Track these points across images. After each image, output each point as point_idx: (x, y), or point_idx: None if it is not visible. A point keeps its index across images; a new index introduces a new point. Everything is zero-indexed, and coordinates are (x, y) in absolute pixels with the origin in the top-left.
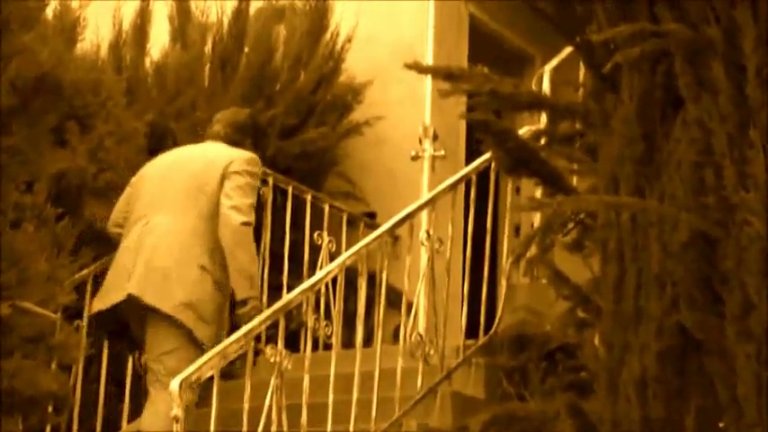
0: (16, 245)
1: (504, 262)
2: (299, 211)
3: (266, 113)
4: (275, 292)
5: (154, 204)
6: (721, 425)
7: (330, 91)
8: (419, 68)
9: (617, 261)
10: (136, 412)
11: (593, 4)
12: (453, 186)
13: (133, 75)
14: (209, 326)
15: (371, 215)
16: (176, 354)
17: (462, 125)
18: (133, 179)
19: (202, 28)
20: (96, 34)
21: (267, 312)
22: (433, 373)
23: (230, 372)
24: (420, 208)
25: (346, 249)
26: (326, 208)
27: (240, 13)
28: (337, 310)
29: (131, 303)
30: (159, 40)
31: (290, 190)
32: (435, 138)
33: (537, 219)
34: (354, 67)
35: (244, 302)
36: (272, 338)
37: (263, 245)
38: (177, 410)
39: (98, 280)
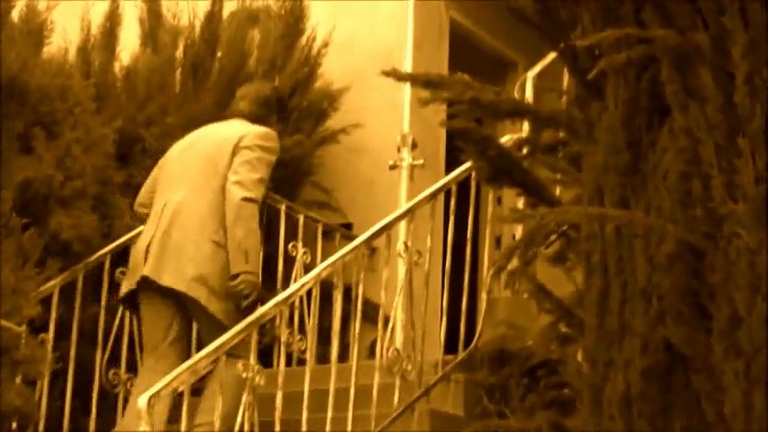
0: None
1: (485, 275)
2: (273, 221)
3: None
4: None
5: (172, 184)
6: None
7: (305, 97)
8: (398, 75)
9: (601, 274)
10: (102, 429)
11: (578, 8)
12: (432, 196)
13: (102, 80)
14: (222, 300)
15: (348, 226)
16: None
17: (442, 133)
18: (161, 160)
19: (174, 31)
20: (64, 37)
21: (239, 327)
22: (410, 389)
23: (200, 388)
24: (398, 219)
25: (322, 261)
26: (301, 218)
27: (213, 17)
28: (312, 324)
29: (148, 283)
30: (129, 44)
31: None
32: (414, 146)
33: (519, 230)
34: (331, 72)
35: (235, 276)
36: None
37: None
38: (145, 427)
39: (65, 292)
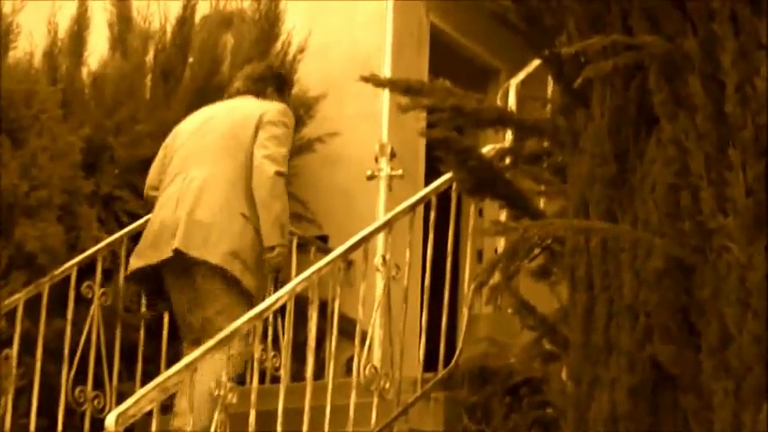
0: None
1: (466, 289)
2: None
3: None
4: None
5: (190, 159)
6: None
7: None
8: (376, 82)
9: (586, 289)
10: None
11: (563, 14)
12: (412, 208)
13: (69, 85)
14: (254, 275)
15: (324, 238)
16: (227, 312)
17: (422, 143)
18: (165, 141)
19: (144, 36)
20: (30, 41)
21: (211, 342)
22: (388, 408)
23: (171, 405)
24: (376, 231)
25: (296, 275)
26: None
27: (185, 20)
28: (286, 341)
29: (175, 259)
30: (97, 49)
31: None
32: (393, 156)
33: (501, 244)
34: (307, 79)
35: (272, 249)
36: None
37: None
38: None
39: (29, 306)
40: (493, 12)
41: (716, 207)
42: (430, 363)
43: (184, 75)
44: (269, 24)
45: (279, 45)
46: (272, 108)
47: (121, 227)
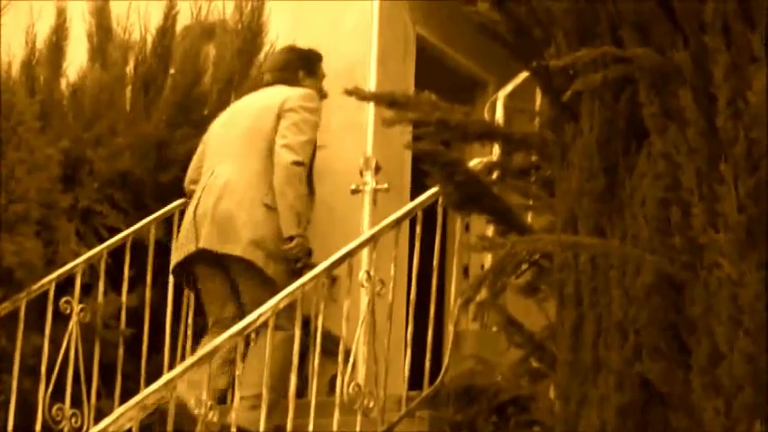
0: None
1: (452, 306)
2: None
3: (193, 141)
4: (201, 337)
5: (218, 154)
6: None
7: None
8: (361, 94)
9: (574, 306)
10: None
11: (552, 26)
12: (397, 223)
13: (47, 97)
14: (278, 263)
15: (307, 253)
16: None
17: (407, 156)
18: (204, 136)
19: (124, 46)
20: (7, 52)
21: (192, 359)
22: (372, 427)
23: (150, 425)
24: (360, 246)
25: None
26: None
27: (166, 31)
28: (269, 357)
29: (204, 252)
30: (76, 60)
31: None
32: (378, 170)
33: (488, 259)
34: None
35: (290, 239)
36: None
37: None
38: None
39: (6, 322)
40: (481, 23)
41: (707, 222)
42: (415, 380)
43: (165, 86)
44: (252, 35)
45: (262, 56)
46: (293, 95)
47: (101, 241)
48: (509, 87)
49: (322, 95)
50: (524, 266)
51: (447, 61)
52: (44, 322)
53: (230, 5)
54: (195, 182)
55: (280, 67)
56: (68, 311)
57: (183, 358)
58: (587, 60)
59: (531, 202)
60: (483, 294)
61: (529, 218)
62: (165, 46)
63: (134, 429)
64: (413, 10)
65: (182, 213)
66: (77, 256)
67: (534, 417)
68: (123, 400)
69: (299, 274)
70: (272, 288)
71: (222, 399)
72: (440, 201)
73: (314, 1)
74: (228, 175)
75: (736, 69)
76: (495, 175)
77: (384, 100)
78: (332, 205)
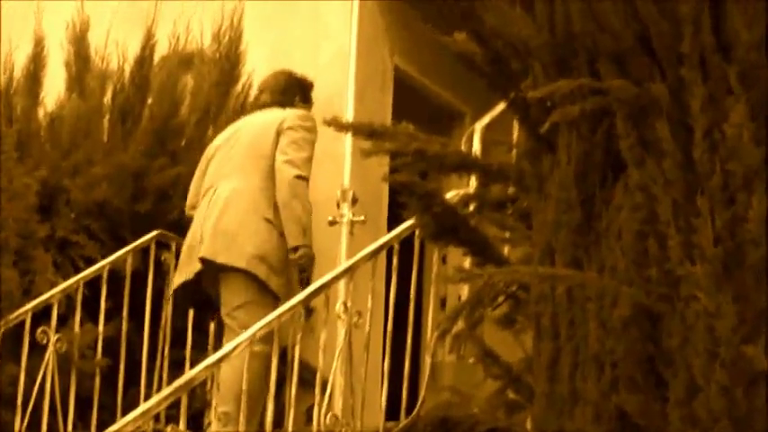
0: None
1: (429, 337)
2: None
3: (170, 171)
4: (177, 368)
5: (219, 173)
6: None
7: None
8: (338, 125)
9: (551, 338)
10: None
11: (530, 57)
12: (374, 254)
13: (25, 126)
14: (280, 276)
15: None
16: (247, 308)
17: (384, 188)
18: (200, 163)
19: (102, 76)
20: None
21: (168, 390)
22: None
23: None
24: (337, 277)
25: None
26: None
27: (143, 61)
28: (245, 389)
29: (207, 268)
30: (54, 89)
31: None
32: (355, 201)
33: (465, 291)
34: None
35: (295, 249)
36: (173, 419)
37: (164, 316)
38: None
39: None
40: (458, 55)
41: (683, 255)
42: (392, 411)
43: (143, 116)
44: (230, 65)
45: (239, 87)
46: (291, 114)
47: (77, 272)
48: (486, 119)
49: None
50: (501, 298)
51: (425, 92)
52: (20, 352)
53: (208, 36)
54: (194, 207)
55: (280, 90)
56: (45, 341)
57: (159, 389)
58: (565, 92)
59: (508, 234)
60: (460, 326)
61: (506, 250)
62: (143, 76)
63: None
64: (391, 41)
65: (158, 244)
66: (54, 286)
67: None
68: (99, 430)
69: (306, 284)
70: (272, 301)
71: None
72: (417, 232)
73: (292, 32)
74: (230, 191)
75: (712, 102)
76: (472, 207)
77: (362, 131)
78: None
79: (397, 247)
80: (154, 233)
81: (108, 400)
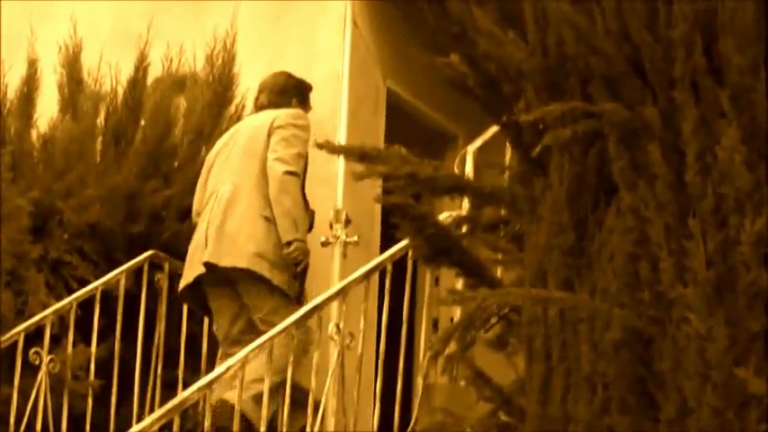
0: None
1: (421, 359)
2: None
3: (163, 193)
4: (170, 389)
5: (219, 178)
6: None
7: None
8: (331, 148)
9: (543, 360)
10: None
11: (522, 80)
12: (366, 276)
13: (18, 148)
14: (282, 272)
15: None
16: (275, 311)
17: (377, 210)
18: (202, 170)
19: (95, 98)
20: None
21: (161, 411)
22: None
23: None
24: (330, 299)
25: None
26: None
27: (136, 83)
28: (237, 410)
29: (212, 273)
30: (47, 111)
31: None
32: (348, 223)
33: (457, 313)
34: None
35: (289, 244)
36: None
37: (157, 336)
38: None
39: None
40: (450, 78)
41: (675, 278)
42: None
43: (136, 138)
44: (222, 87)
45: (232, 108)
46: (282, 113)
47: (70, 292)
48: (479, 141)
49: None
50: (493, 320)
51: (417, 115)
52: (13, 373)
53: (201, 58)
54: (200, 214)
55: (278, 90)
56: (38, 362)
57: (152, 410)
58: (557, 115)
59: (500, 256)
60: (452, 347)
61: (498, 271)
62: (136, 98)
63: None
64: (383, 64)
65: (151, 265)
66: (47, 307)
67: None
68: None
69: (301, 277)
70: (279, 295)
71: None
72: (409, 254)
73: (285, 54)
74: (229, 194)
75: (704, 125)
76: (464, 229)
77: (354, 153)
78: None
79: (389, 268)
80: (147, 254)
81: (100, 420)
